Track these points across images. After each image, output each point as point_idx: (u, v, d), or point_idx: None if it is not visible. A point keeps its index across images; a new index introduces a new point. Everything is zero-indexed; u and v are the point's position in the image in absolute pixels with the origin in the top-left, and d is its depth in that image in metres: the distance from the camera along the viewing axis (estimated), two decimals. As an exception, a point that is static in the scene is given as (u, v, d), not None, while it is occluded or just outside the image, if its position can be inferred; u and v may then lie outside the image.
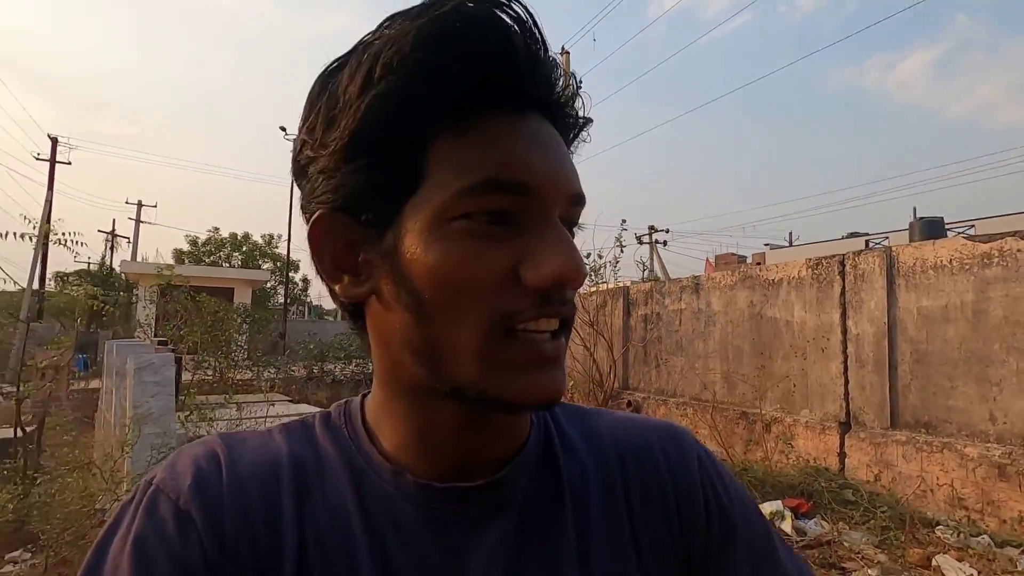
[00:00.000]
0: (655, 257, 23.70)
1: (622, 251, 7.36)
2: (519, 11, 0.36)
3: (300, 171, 0.40)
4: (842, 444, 4.59)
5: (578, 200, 0.39)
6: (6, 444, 4.09)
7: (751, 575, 0.46)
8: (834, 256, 4.94)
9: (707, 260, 25.29)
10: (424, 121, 0.36)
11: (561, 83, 0.40)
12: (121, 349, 3.88)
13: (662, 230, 24.16)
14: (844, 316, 4.72)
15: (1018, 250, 3.69)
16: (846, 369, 4.67)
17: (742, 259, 27.86)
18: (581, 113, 0.42)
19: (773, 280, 5.47)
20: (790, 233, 36.78)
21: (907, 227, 17.43)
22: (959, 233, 18.64)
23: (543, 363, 0.36)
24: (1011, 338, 3.70)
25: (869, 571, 3.06)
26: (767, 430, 5.21)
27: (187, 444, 0.43)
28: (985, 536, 3.45)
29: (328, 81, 0.38)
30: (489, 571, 0.40)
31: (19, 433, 3.73)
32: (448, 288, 0.35)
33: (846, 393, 4.66)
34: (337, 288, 0.40)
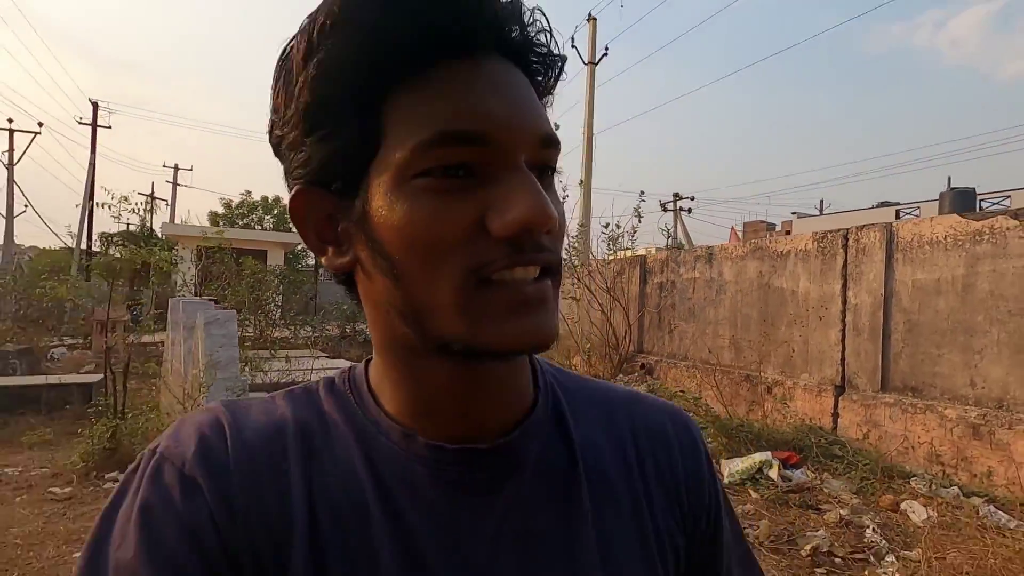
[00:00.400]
0: (679, 224, 23.70)
1: (640, 220, 7.68)
2: None
3: (276, 149, 0.40)
4: (836, 405, 4.95)
5: (548, 142, 0.38)
6: (97, 386, 4.72)
7: (730, 571, 0.49)
8: (839, 230, 5.20)
9: (732, 228, 25.18)
10: (371, 81, 0.35)
11: (525, 20, 0.38)
12: (187, 306, 4.43)
13: (687, 197, 24.06)
14: (845, 287, 5.02)
15: (1007, 228, 3.93)
16: (844, 336, 4.99)
17: (771, 227, 27.57)
18: (555, 50, 0.40)
19: (781, 252, 5.75)
20: (820, 201, 36.07)
21: (954, 193, 17.09)
22: (993, 204, 18.23)
23: (525, 307, 0.36)
24: (994, 310, 3.98)
25: (840, 511, 3.47)
26: (768, 392, 5.59)
27: (189, 413, 0.42)
28: (955, 488, 3.83)
29: (286, 56, 0.38)
30: (503, 533, 0.40)
31: (108, 375, 4.32)
32: (417, 247, 0.35)
33: (843, 359, 4.99)
34: (324, 260, 0.40)
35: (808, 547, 2.98)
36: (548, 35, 0.40)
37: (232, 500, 0.37)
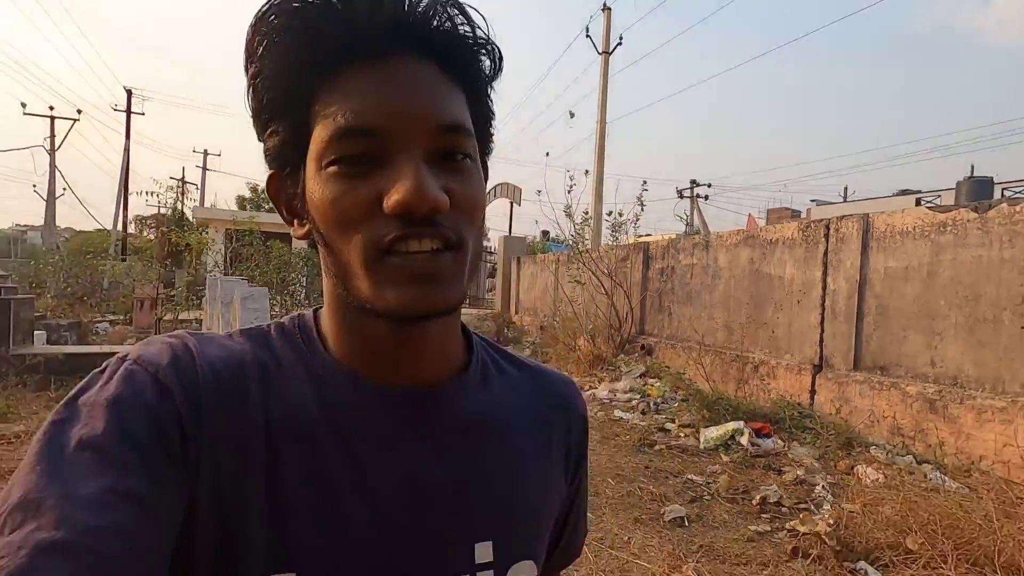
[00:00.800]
0: (695, 211, 23.80)
1: (642, 209, 8.04)
2: None
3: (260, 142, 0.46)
4: (813, 383, 5.34)
5: (448, 129, 0.42)
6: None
7: (575, 514, 0.61)
8: (822, 220, 5.53)
9: (750, 216, 25.18)
10: (298, 87, 0.42)
11: (440, 21, 0.43)
12: (224, 283, 4.99)
13: (704, 184, 24.12)
14: (825, 273, 5.37)
15: (967, 220, 4.26)
16: (823, 319, 5.36)
17: (796, 213, 27.51)
18: (477, 45, 0.45)
19: (771, 240, 6.10)
20: (845, 188, 35.64)
21: (971, 182, 16.97)
22: (1016, 193, 18.02)
23: (415, 278, 0.41)
24: (954, 296, 4.32)
25: (798, 471, 3.90)
26: (755, 371, 5.99)
27: (155, 335, 0.43)
28: (910, 456, 4.22)
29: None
30: (440, 470, 0.47)
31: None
32: (332, 222, 0.42)
33: (821, 340, 5.37)
34: (292, 232, 0.47)
35: (758, 497, 3.42)
36: (472, 32, 0.44)
37: (200, 412, 0.40)
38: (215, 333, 0.48)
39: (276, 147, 0.45)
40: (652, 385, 6.39)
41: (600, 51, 12.98)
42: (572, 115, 14.16)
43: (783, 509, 3.39)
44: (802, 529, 2.98)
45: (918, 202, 20.66)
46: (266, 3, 0.41)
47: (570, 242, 8.92)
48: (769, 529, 3.13)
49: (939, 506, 3.32)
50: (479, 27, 0.45)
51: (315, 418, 0.44)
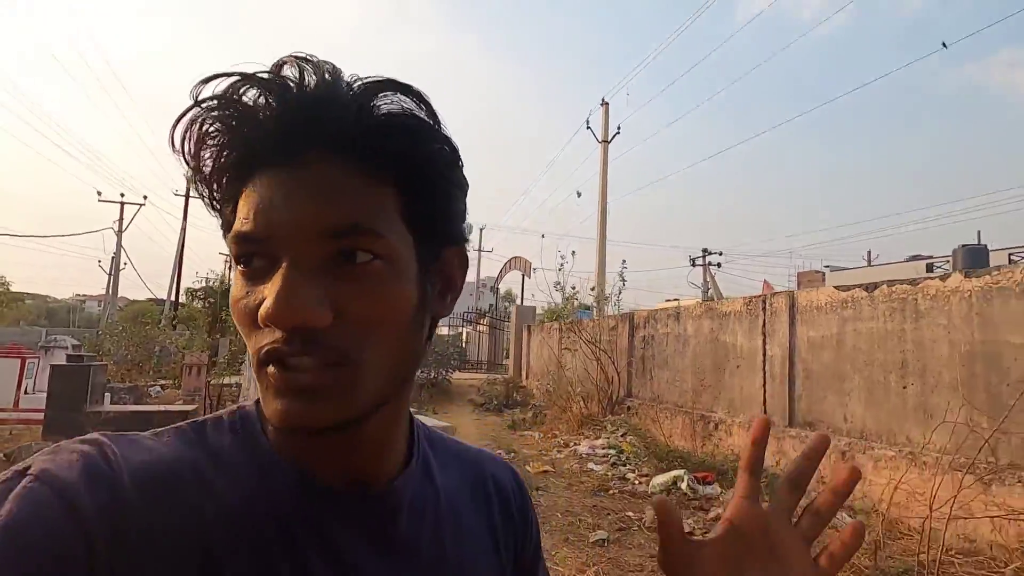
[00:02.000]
0: (708, 278, 24.61)
1: (624, 284, 9.06)
2: (266, 76, 0.40)
3: None
4: (759, 438, 6.08)
5: (335, 232, 0.39)
6: (192, 414, 6.49)
7: None
8: (760, 295, 6.45)
9: (764, 281, 25.80)
10: (221, 189, 0.42)
11: (360, 112, 0.41)
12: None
13: (716, 252, 25.05)
14: (765, 342, 6.22)
15: (861, 297, 5.14)
16: (765, 382, 6.16)
17: (822, 274, 28.03)
18: (414, 125, 0.43)
19: (726, 312, 7.01)
20: (868, 252, 35.97)
21: (965, 250, 17.53)
22: (1011, 258, 18.34)
23: (289, 392, 0.38)
24: (856, 361, 5.13)
25: (719, 510, 4.65)
26: (715, 428, 6.74)
27: (66, 440, 0.39)
28: (826, 500, 4.91)
29: None
30: (388, 566, 0.45)
31: (206, 406, 6.03)
32: (236, 320, 0.41)
33: (764, 400, 6.15)
34: None
35: (672, 527, 4.22)
36: (405, 121, 0.42)
37: (119, 529, 0.35)
38: (139, 433, 0.42)
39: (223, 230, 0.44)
40: (627, 441, 7.17)
41: (600, 140, 14.49)
42: (579, 195, 15.51)
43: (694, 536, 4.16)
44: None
45: (929, 267, 21.00)
46: (187, 110, 0.40)
47: (566, 312, 9.94)
48: (674, 551, 3.91)
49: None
50: (415, 113, 0.43)
51: (256, 520, 0.41)
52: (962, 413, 4.10)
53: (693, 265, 24.36)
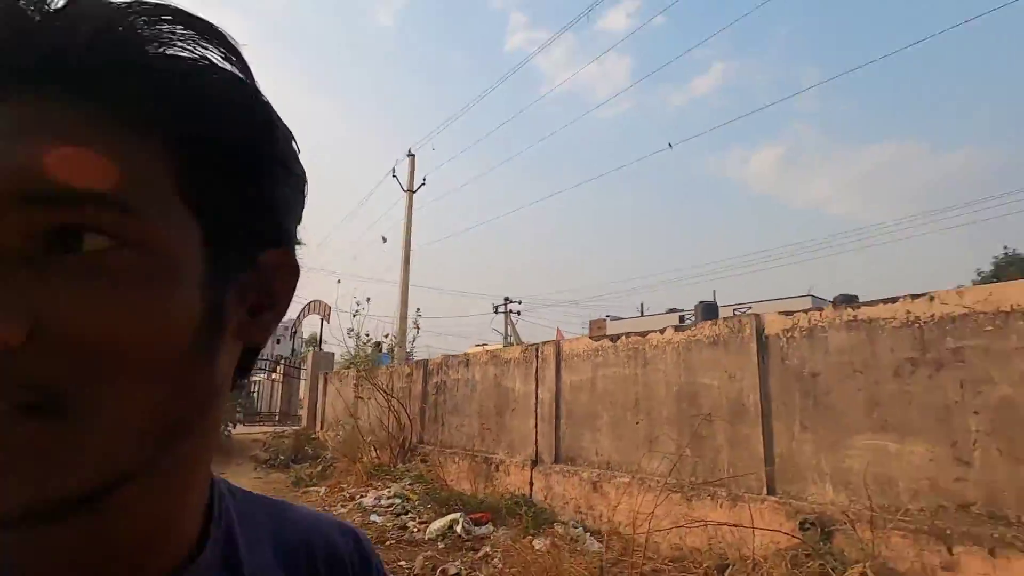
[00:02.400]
0: (509, 325, 26.30)
1: (418, 332, 9.27)
2: None
3: None
4: (531, 476, 6.64)
5: (51, 199, 0.25)
6: None
7: None
8: (533, 344, 7.19)
9: (557, 330, 28.47)
10: None
11: (74, 52, 0.27)
12: None
13: (516, 301, 26.99)
14: (537, 387, 6.91)
15: (608, 347, 6.06)
16: (537, 423, 6.81)
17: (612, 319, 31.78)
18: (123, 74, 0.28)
19: (507, 359, 7.62)
20: (641, 304, 42.11)
21: (703, 305, 21.53)
22: (735, 312, 22.84)
23: None
24: (605, 402, 5.99)
25: (487, 548, 4.96)
26: (496, 470, 7.18)
27: None
28: (581, 527, 5.54)
29: None
30: None
31: None
32: None
33: (536, 440, 6.77)
34: None
35: (440, 570, 4.37)
36: (200, 69, 0.29)
37: None
38: None
39: None
40: (412, 489, 7.23)
41: (405, 189, 14.91)
42: (384, 240, 15.57)
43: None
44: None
45: (681, 319, 25.46)
46: None
47: (359, 359, 9.78)
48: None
49: (577, 563, 4.57)
50: (209, 54, 0.30)
51: None
52: (674, 443, 5.05)
53: (496, 312, 25.90)
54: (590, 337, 6.44)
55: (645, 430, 5.53)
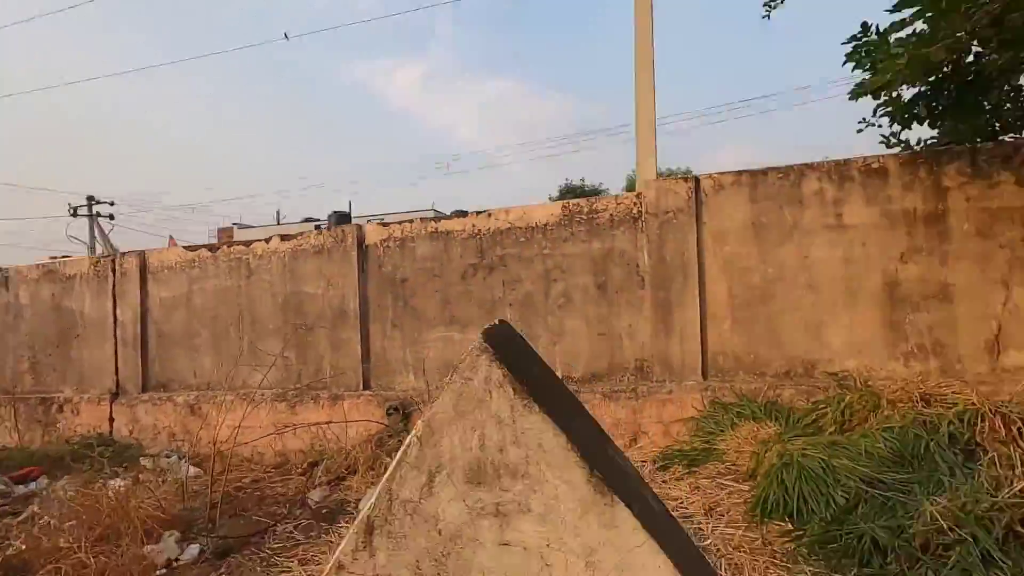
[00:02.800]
0: (97, 232, 20.89)
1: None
2: None
3: None
4: (111, 411, 5.62)
5: None
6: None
7: None
8: (109, 256, 5.87)
9: (170, 238, 24.14)
10: None
11: None
12: None
13: (106, 202, 21.46)
14: (115, 306, 5.73)
15: (207, 257, 5.41)
16: (116, 350, 5.70)
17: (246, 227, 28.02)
18: None
19: (71, 275, 6.02)
20: (277, 212, 39.15)
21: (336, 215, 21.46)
22: (368, 222, 23.87)
23: None
24: (204, 318, 5.41)
25: (35, 507, 4.02)
26: (60, 411, 5.79)
27: None
28: (176, 455, 5.02)
29: None
30: None
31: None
32: None
33: (116, 369, 5.70)
34: None
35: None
36: None
37: None
38: None
39: None
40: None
41: None
42: None
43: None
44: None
45: (317, 227, 24.96)
46: None
47: None
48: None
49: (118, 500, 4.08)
50: None
51: None
52: (281, 354, 4.96)
53: (75, 215, 20.02)
54: (184, 247, 5.61)
55: (249, 344, 5.25)
